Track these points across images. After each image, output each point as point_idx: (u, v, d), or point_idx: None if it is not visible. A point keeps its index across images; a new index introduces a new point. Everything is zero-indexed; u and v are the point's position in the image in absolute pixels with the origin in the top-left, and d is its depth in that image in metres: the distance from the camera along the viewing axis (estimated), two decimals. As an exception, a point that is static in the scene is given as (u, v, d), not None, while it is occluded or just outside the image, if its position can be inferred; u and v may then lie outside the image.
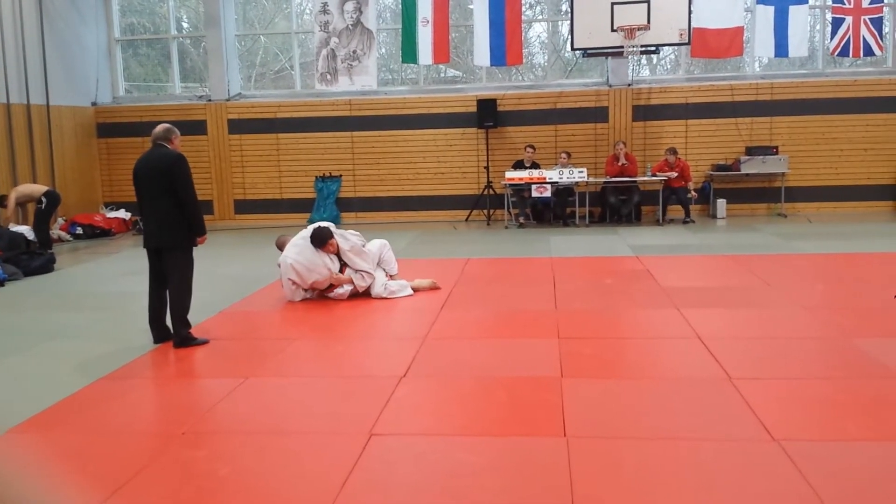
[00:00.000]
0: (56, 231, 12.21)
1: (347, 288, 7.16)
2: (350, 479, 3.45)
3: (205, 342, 5.81)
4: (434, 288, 7.52)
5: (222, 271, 8.81)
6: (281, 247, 7.39)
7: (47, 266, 9.45)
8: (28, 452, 3.96)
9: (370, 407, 4.34)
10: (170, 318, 5.82)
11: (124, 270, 9.26)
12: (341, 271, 7.16)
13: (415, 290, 7.39)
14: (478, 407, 4.43)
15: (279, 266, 7.17)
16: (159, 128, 5.93)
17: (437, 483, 3.44)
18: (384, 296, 7.20)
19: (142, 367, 5.34)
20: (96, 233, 12.69)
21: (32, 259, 9.42)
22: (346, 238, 7.26)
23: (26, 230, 10.53)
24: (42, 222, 10.71)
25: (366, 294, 7.26)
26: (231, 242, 11.67)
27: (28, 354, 5.80)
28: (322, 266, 7.02)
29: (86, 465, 3.75)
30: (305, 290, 7.18)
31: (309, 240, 7.07)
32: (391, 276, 7.58)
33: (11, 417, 4.35)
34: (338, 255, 7.17)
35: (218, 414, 4.37)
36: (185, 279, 5.82)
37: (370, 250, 7.46)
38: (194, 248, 5.94)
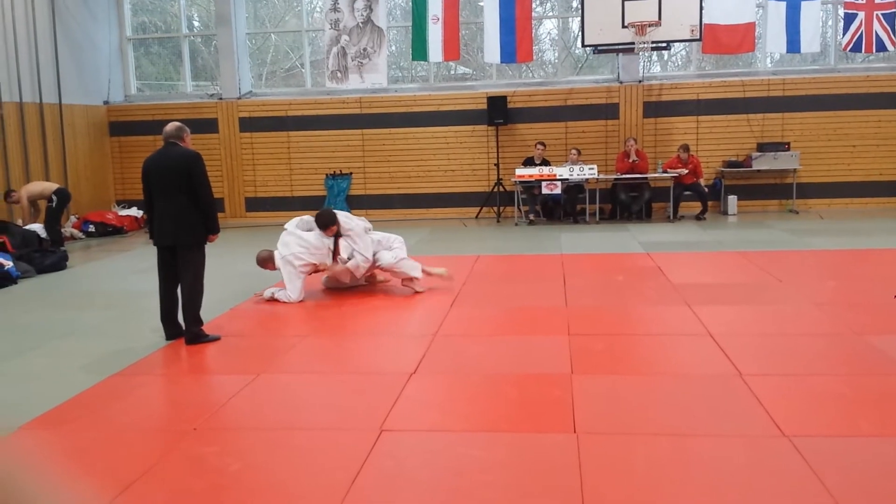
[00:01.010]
0: (68, 229, 12.29)
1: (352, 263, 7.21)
2: (360, 474, 3.46)
3: (217, 339, 5.84)
4: (446, 277, 7.47)
5: (234, 268, 8.84)
6: (262, 262, 7.39)
7: (60, 264, 9.51)
8: (39, 449, 3.99)
9: (380, 403, 4.35)
10: (182, 316, 5.84)
11: (136, 268, 9.31)
12: (335, 254, 7.26)
13: (425, 272, 7.36)
14: (488, 403, 4.43)
15: (278, 268, 7.16)
16: (171, 126, 5.92)
17: (447, 479, 3.44)
18: (392, 263, 7.19)
19: (153, 363, 5.38)
20: (108, 231, 12.75)
21: (45, 257, 9.48)
22: (349, 219, 7.28)
23: (38, 228, 10.61)
24: (53, 220, 10.78)
25: (375, 290, 7.23)
26: (242, 240, 11.69)
27: (40, 351, 5.84)
28: (324, 248, 7.14)
29: (97, 461, 3.78)
30: (309, 273, 7.23)
31: (304, 225, 7.24)
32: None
33: (23, 414, 4.38)
34: (337, 238, 7.22)
35: (229, 410, 4.39)
36: (198, 277, 5.84)
37: (378, 236, 7.41)
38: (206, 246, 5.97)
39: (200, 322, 5.84)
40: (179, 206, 5.73)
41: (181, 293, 5.84)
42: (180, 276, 5.83)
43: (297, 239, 7.10)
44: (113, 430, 4.18)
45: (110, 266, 9.81)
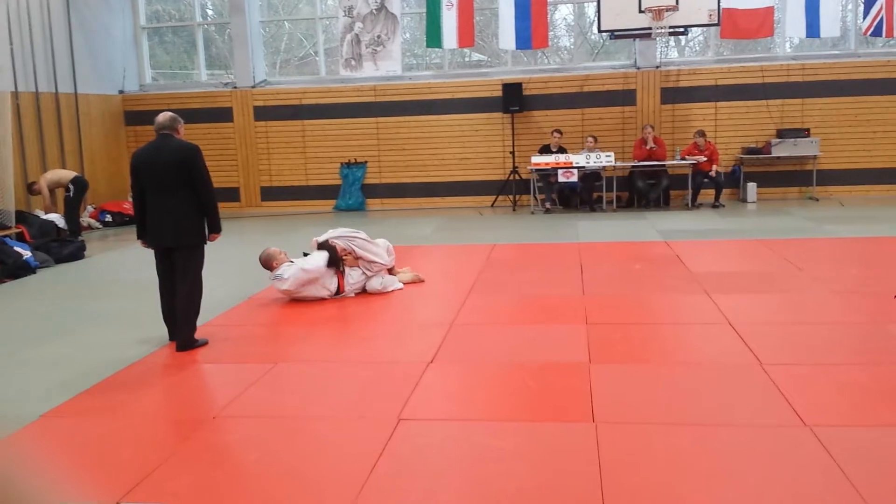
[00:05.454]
0: (86, 219, 12.35)
1: (358, 278, 6.96)
2: (378, 463, 3.46)
3: (205, 342, 5.51)
4: (418, 281, 7.35)
5: (250, 258, 8.84)
6: (267, 262, 6.88)
7: (78, 253, 9.57)
8: (60, 437, 4.02)
9: (398, 392, 4.34)
10: (179, 321, 5.43)
11: (154, 258, 9.32)
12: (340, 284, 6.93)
13: (405, 283, 7.25)
14: (505, 392, 4.41)
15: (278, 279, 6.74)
16: (164, 116, 5.50)
17: (465, 468, 3.43)
18: (378, 289, 6.98)
19: (172, 353, 5.39)
20: (125, 220, 12.78)
21: (63, 246, 9.54)
22: (350, 238, 6.94)
23: (57, 218, 10.67)
24: (72, 210, 10.84)
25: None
26: (258, 229, 11.73)
27: (60, 341, 5.88)
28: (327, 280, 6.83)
29: (117, 449, 3.79)
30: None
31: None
32: (389, 269, 7.29)
33: (44, 403, 4.42)
34: (341, 262, 6.91)
35: (248, 399, 4.40)
36: (198, 281, 5.49)
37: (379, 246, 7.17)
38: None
39: (195, 328, 5.47)
40: (178, 204, 5.35)
41: (179, 298, 5.42)
42: (179, 280, 5.42)
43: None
44: (132, 418, 4.20)
45: (128, 256, 9.85)
